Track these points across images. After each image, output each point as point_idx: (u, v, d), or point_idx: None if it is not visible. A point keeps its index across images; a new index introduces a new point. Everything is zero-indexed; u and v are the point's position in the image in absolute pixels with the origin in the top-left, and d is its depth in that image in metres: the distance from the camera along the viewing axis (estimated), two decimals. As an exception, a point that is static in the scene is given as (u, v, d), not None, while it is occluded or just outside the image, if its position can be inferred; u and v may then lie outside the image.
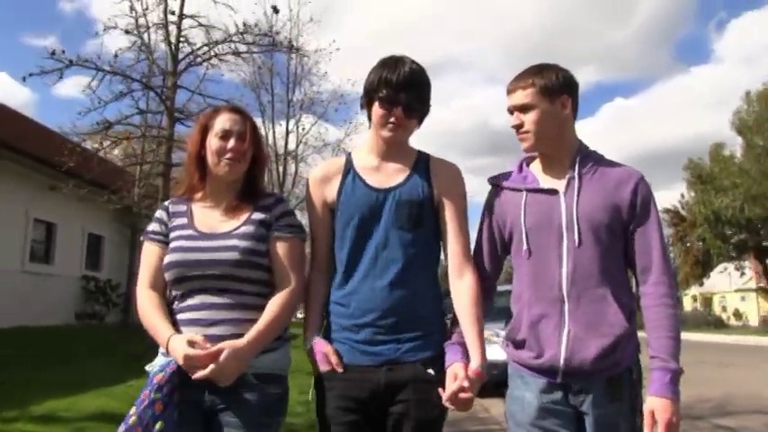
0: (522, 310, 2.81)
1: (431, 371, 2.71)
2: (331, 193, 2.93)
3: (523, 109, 2.80)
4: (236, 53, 14.28)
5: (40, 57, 9.83)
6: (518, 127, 2.82)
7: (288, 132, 25.29)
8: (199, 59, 13.64)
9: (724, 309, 67.74)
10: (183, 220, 2.84)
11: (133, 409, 2.50)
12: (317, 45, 23.84)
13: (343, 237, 2.88)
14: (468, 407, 2.63)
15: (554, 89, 2.79)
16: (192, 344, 2.52)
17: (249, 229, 2.78)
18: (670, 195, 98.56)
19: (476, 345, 2.70)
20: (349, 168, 2.95)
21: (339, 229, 2.89)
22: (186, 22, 13.83)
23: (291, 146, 25.52)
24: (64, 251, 21.39)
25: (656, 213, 2.76)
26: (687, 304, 74.46)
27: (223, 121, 2.81)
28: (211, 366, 2.49)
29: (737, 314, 62.12)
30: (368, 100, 2.91)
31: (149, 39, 13.97)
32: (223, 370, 2.51)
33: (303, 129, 25.55)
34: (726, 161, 44.68)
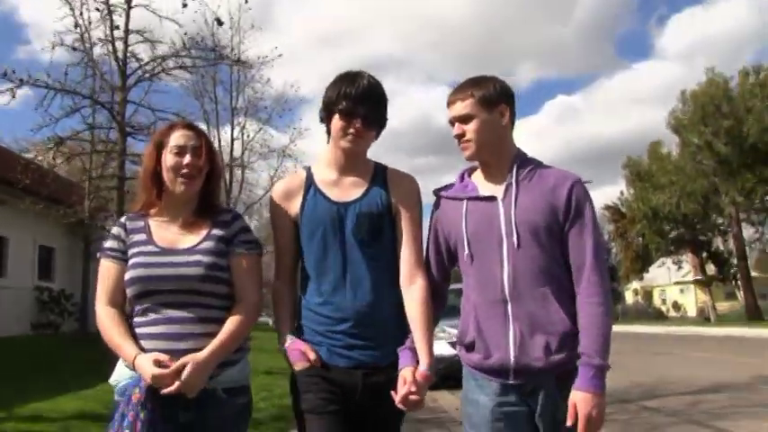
0: (469, 314, 2.88)
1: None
2: (294, 207, 3.01)
3: (464, 119, 2.87)
4: (183, 67, 14.74)
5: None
6: (459, 137, 2.90)
7: (233, 140, 25.43)
8: (147, 75, 14.03)
9: (664, 301, 70.04)
10: (142, 236, 2.86)
11: (116, 427, 2.56)
12: (260, 51, 24.20)
13: (309, 249, 2.98)
14: (418, 407, 2.77)
15: (492, 99, 2.87)
16: (158, 363, 2.57)
17: (210, 244, 2.82)
18: (614, 191, 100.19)
19: (424, 349, 2.82)
20: (310, 183, 3.03)
21: (305, 242, 2.99)
22: (132, 38, 14.20)
23: (237, 153, 25.68)
24: (16, 263, 21.61)
25: (590, 215, 2.81)
26: (629, 298, 76.51)
27: (177, 138, 2.84)
28: (177, 382, 2.55)
29: (676, 306, 64.00)
30: (327, 113, 2.99)
31: (92, 53, 14.25)
32: (188, 383, 2.57)
33: (248, 136, 25.72)
34: (663, 159, 46.14)
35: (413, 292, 2.92)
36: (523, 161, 2.91)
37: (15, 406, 8.31)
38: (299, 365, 2.87)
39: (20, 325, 20.90)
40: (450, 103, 2.94)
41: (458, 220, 2.91)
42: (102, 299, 2.79)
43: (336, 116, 2.93)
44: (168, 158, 2.81)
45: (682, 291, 64.18)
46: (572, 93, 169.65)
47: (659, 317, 58.50)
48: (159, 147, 2.85)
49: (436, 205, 3.06)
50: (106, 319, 2.75)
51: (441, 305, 3.03)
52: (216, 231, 2.85)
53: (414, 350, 2.83)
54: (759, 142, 39.37)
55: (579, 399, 2.58)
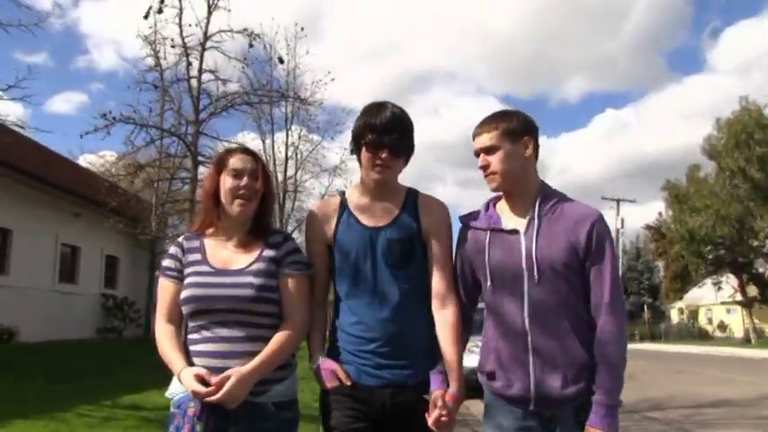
0: (489, 344, 2.96)
1: (426, 396, 2.88)
2: (329, 230, 3.06)
3: (489, 151, 2.91)
4: (249, 103, 16.49)
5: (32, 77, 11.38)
6: (485, 168, 2.93)
7: (287, 159, 26.73)
8: (217, 110, 15.77)
9: (710, 321, 68.75)
10: (197, 256, 2.94)
11: None
12: (314, 76, 25.32)
13: (341, 271, 3.03)
14: (449, 428, 2.81)
15: (516, 131, 2.90)
16: (200, 378, 2.66)
17: (261, 266, 2.88)
18: (662, 207, 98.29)
19: (454, 372, 2.87)
20: (344, 208, 3.08)
21: (338, 264, 3.04)
22: (205, 76, 16.01)
23: (290, 172, 26.80)
24: (86, 272, 23.59)
25: (610, 252, 2.82)
26: (674, 316, 75.62)
27: (236, 161, 2.93)
28: (219, 393, 2.63)
29: (722, 326, 62.46)
30: (356, 145, 3.04)
31: (170, 91, 16.14)
32: (230, 394, 2.64)
33: (301, 155, 26.81)
34: (699, 182, 46.81)
35: (444, 317, 2.97)
36: (546, 195, 2.94)
37: (116, 397, 9.65)
38: (329, 384, 2.94)
39: (88, 329, 22.84)
40: (475, 136, 2.99)
41: (481, 251, 2.96)
42: (161, 316, 2.91)
43: (364, 148, 3.00)
44: (227, 181, 2.91)
45: (728, 311, 62.62)
46: (622, 107, 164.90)
47: (704, 337, 57.61)
48: (219, 169, 2.96)
49: (461, 232, 3.11)
50: (161, 335, 2.87)
51: (468, 327, 3.09)
52: (267, 253, 2.93)
53: (444, 374, 2.89)
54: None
55: None
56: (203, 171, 16.68)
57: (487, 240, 2.93)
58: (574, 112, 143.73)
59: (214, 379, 2.65)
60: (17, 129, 11.97)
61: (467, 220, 3.08)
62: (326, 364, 2.96)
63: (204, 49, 15.80)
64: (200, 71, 15.88)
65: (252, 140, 25.00)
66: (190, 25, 15.74)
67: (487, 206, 3.07)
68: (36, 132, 17.25)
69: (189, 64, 15.71)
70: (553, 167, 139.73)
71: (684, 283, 59.21)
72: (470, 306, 3.10)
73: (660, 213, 54.77)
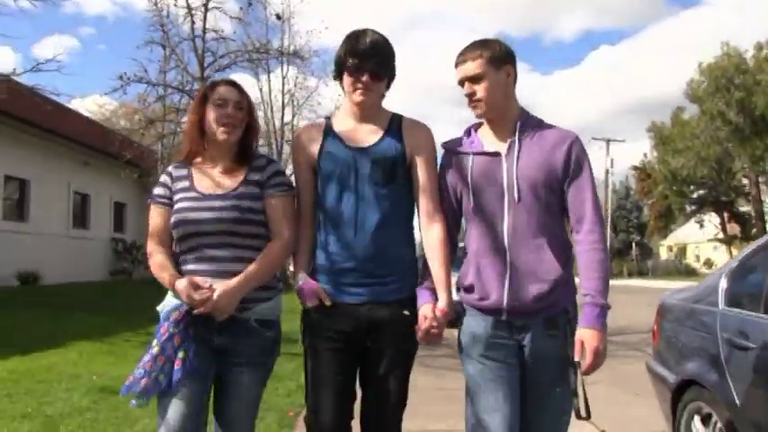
0: (471, 260, 3.00)
1: (406, 312, 2.96)
2: (313, 152, 3.10)
3: (474, 79, 2.93)
4: (251, 60, 17.77)
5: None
6: (470, 96, 2.96)
7: (284, 106, 27.33)
8: (221, 68, 17.09)
9: (698, 258, 69.96)
10: (186, 183, 3.02)
11: (155, 341, 2.80)
12: (308, 26, 25.92)
13: (325, 191, 3.07)
14: (438, 340, 2.93)
15: (500, 59, 2.94)
16: (194, 284, 2.79)
17: (246, 189, 2.98)
18: None
19: (443, 287, 2.96)
20: (329, 130, 3.12)
21: (322, 185, 3.08)
22: (208, 35, 17.25)
23: (288, 118, 27.59)
24: (96, 218, 25.05)
25: (588, 170, 2.92)
26: (663, 254, 76.59)
27: (221, 92, 3.01)
28: (208, 304, 2.78)
29: (708, 263, 63.88)
30: (338, 71, 3.10)
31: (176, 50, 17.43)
32: (218, 305, 2.78)
33: (297, 102, 27.62)
34: (683, 125, 48.05)
35: (432, 234, 3.04)
36: (526, 120, 3.01)
37: (145, 326, 10.56)
38: (309, 303, 3.01)
39: (101, 271, 24.28)
40: (459, 64, 3.02)
41: (464, 174, 3.01)
42: (152, 239, 3.04)
43: (346, 73, 3.05)
44: (212, 109, 2.98)
45: (715, 248, 62.93)
46: (616, 43, 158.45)
47: (690, 273, 58.08)
48: (204, 100, 3.04)
49: (444, 158, 3.16)
50: (152, 254, 3.00)
51: (452, 250, 3.14)
52: (251, 176, 3.03)
53: (432, 289, 2.98)
54: (767, 113, 41.23)
55: (587, 335, 2.74)
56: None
57: (471, 163, 3.00)
58: (568, 50, 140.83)
59: (207, 283, 2.81)
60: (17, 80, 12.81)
61: (449, 145, 3.15)
62: (308, 284, 3.02)
63: (207, 10, 17.00)
64: (204, 31, 17.08)
65: (250, 88, 26.02)
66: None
67: (469, 132, 3.14)
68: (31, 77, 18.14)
69: (193, 23, 16.94)
70: (546, 105, 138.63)
71: (669, 222, 60.55)
72: (455, 228, 3.19)
73: (645, 155, 56.38)
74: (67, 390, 6.61)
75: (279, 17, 19.57)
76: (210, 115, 2.99)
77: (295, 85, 27.23)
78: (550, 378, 2.88)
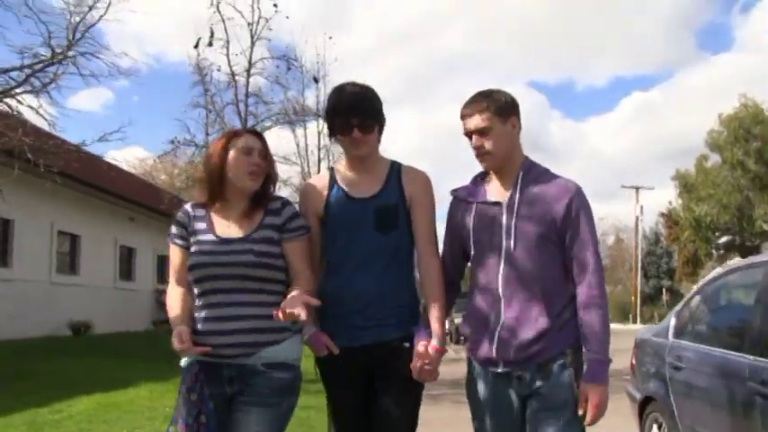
0: (470, 309, 3.06)
1: (407, 344, 3.03)
2: (320, 204, 3.16)
3: (482, 132, 2.94)
4: (289, 122, 19.28)
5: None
6: (478, 148, 2.96)
7: (320, 160, 28.75)
8: (263, 130, 18.47)
9: None
10: (203, 225, 3.04)
11: (178, 404, 2.87)
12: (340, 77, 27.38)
13: (332, 240, 3.14)
14: (432, 378, 2.97)
15: (506, 110, 2.96)
16: (179, 336, 2.79)
17: (262, 233, 2.99)
18: None
19: (437, 324, 2.99)
20: (333, 182, 3.18)
21: (328, 235, 3.15)
22: (250, 100, 18.70)
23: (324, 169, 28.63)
24: (141, 270, 26.29)
25: (589, 223, 2.91)
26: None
27: (246, 140, 3.03)
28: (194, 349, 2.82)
29: None
30: (330, 131, 3.18)
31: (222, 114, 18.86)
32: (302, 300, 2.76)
33: (333, 156, 28.39)
34: (706, 173, 48.66)
35: (428, 275, 3.09)
36: (528, 169, 3.01)
37: None
38: (319, 354, 3.11)
39: (146, 321, 25.08)
40: (465, 116, 3.01)
41: (467, 222, 3.04)
42: (172, 279, 3.06)
43: (336, 131, 3.12)
44: (237, 157, 2.99)
45: None
46: (649, 88, 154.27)
47: None
48: (227, 148, 3.02)
49: (451, 205, 3.19)
50: (170, 296, 3.01)
51: (452, 292, 3.18)
52: (268, 220, 3.03)
53: (427, 326, 3.01)
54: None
55: (591, 390, 2.78)
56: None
57: (473, 213, 3.03)
58: (599, 97, 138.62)
59: (189, 340, 2.80)
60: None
61: (457, 193, 3.17)
62: (316, 335, 3.08)
63: (249, 76, 18.47)
64: (247, 95, 18.56)
65: (287, 143, 27.30)
66: (236, 54, 18.44)
67: (475, 180, 3.16)
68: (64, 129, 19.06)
69: (236, 89, 18.43)
70: (581, 151, 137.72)
71: (696, 267, 60.75)
72: (456, 273, 3.22)
73: (670, 202, 56.57)
74: (150, 418, 7.79)
75: (316, 80, 20.77)
76: (235, 162, 3.01)
77: (330, 141, 28.17)
78: (554, 424, 2.87)
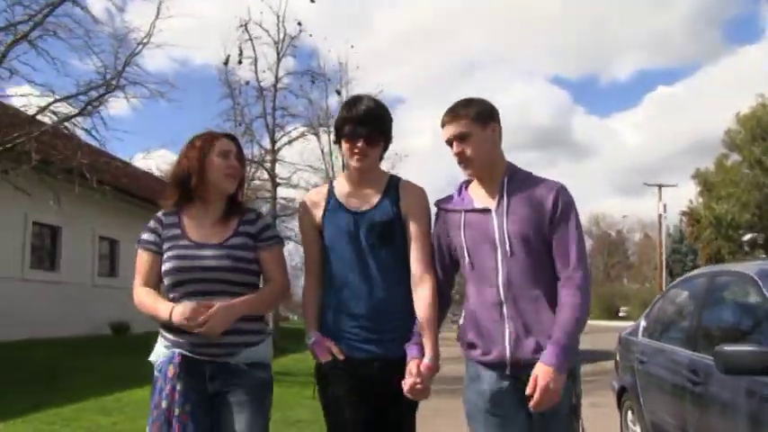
0: (469, 316, 3.06)
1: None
2: (318, 216, 3.22)
3: (461, 138, 2.98)
4: (314, 133, 20.39)
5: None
6: (460, 155, 3.00)
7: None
8: (290, 141, 19.65)
9: None
10: (176, 231, 3.06)
11: (156, 398, 2.86)
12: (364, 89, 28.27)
13: (330, 252, 3.18)
14: (424, 395, 2.98)
15: (485, 116, 3.00)
16: (193, 308, 2.82)
17: (238, 240, 3.05)
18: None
19: (429, 343, 3.00)
20: (331, 196, 3.24)
21: (327, 246, 3.20)
22: (278, 113, 19.93)
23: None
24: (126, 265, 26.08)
25: (573, 218, 2.93)
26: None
27: (224, 144, 3.09)
28: (203, 327, 2.81)
29: None
30: (337, 138, 3.23)
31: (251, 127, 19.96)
32: (211, 324, 2.80)
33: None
34: (726, 171, 49.37)
35: (421, 292, 3.07)
36: (513, 174, 3.04)
37: None
38: (323, 359, 3.11)
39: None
40: (445, 123, 3.04)
41: (457, 231, 3.04)
42: (139, 281, 3.07)
43: (343, 139, 3.15)
44: (216, 161, 3.04)
45: None
46: (673, 83, 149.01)
47: None
48: (204, 151, 3.06)
49: (438, 216, 3.19)
50: (141, 294, 3.03)
51: (445, 305, 3.18)
52: (243, 228, 3.09)
53: (420, 345, 3.00)
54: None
55: (541, 372, 2.72)
56: (281, 191, 20.29)
57: (462, 221, 3.02)
58: (623, 93, 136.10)
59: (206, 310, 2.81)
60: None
61: (442, 204, 3.17)
62: (320, 340, 3.12)
63: (276, 90, 19.57)
64: (274, 109, 19.70)
65: (312, 150, 28.25)
66: (263, 71, 19.52)
67: (460, 189, 3.16)
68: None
69: (264, 102, 19.54)
70: (604, 148, 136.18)
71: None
72: (446, 283, 3.19)
73: (691, 201, 57.07)
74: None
75: (338, 92, 21.67)
76: (214, 165, 3.04)
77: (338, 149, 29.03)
78: (558, 429, 2.90)
